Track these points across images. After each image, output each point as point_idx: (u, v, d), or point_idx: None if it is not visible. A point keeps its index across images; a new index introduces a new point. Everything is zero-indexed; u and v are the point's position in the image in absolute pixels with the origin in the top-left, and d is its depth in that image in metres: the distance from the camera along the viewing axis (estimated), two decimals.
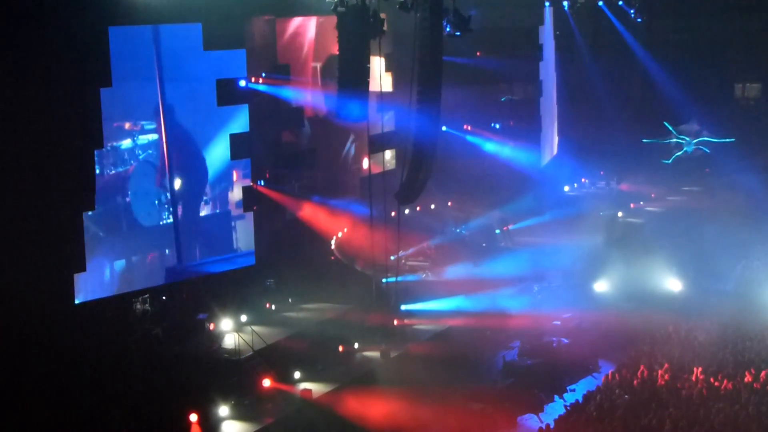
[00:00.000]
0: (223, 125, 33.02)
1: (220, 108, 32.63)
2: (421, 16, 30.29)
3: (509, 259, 42.13)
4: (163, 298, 31.88)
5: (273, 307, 34.45)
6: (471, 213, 47.86)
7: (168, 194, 32.93)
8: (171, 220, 32.91)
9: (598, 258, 40.75)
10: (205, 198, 34.55)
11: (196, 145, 33.47)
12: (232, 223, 35.23)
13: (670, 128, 58.49)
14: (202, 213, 34.53)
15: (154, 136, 32.60)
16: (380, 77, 35.64)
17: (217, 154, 33.90)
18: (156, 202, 32.98)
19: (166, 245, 32.99)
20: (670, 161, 58.35)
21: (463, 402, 29.65)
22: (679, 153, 58.56)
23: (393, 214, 34.92)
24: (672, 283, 39.34)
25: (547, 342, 34.94)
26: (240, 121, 33.38)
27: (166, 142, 32.28)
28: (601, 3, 54.58)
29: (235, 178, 35.34)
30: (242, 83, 33.18)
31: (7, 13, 25.65)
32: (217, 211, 34.99)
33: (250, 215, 34.81)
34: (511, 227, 47.81)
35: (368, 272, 36.78)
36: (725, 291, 38.64)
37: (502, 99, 55.38)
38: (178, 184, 32.81)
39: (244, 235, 34.94)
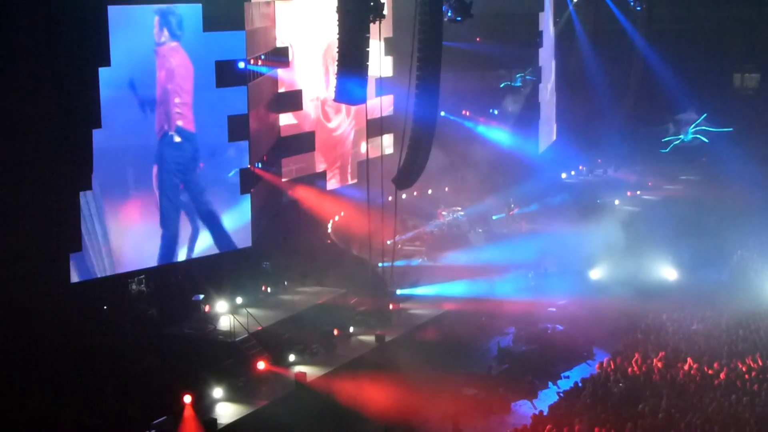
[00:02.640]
0: (222, 107, 32.91)
1: (219, 89, 32.55)
2: (422, 0, 30.29)
3: (517, 246, 42.23)
4: (159, 279, 31.88)
5: (269, 289, 34.47)
6: (468, 198, 47.91)
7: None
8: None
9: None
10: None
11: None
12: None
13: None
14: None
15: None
16: (380, 61, 35.62)
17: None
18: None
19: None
20: (667, 150, 58.40)
21: (457, 387, 29.72)
22: (676, 141, 58.65)
23: (390, 198, 34.97)
24: (667, 272, 39.39)
25: (542, 329, 35.05)
26: (238, 103, 33.27)
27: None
28: None
29: None
30: (241, 65, 33.08)
31: None
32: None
33: None
34: (516, 212, 47.91)
35: (364, 256, 36.79)
36: (721, 280, 38.72)
37: (501, 85, 55.37)
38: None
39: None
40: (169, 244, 32.14)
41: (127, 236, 30.79)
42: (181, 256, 32.47)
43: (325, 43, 38.66)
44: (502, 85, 55.46)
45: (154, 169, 31.46)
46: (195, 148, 32.51)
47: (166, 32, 31.11)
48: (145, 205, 31.39)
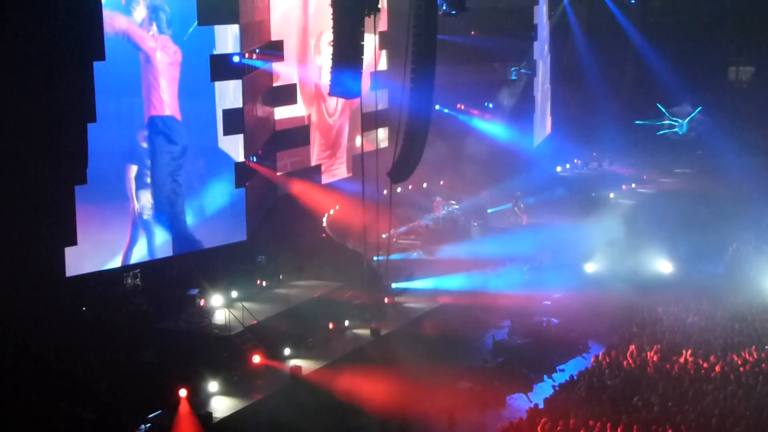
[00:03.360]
0: (216, 101, 32.85)
1: (213, 83, 32.49)
2: None
3: (513, 239, 42.24)
4: (154, 273, 31.83)
5: (264, 283, 34.46)
6: (464, 191, 47.91)
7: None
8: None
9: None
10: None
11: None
12: None
13: (663, 110, 58.63)
14: None
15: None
16: (375, 55, 35.58)
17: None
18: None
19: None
20: (661, 132, 58.54)
21: (453, 381, 29.71)
22: (667, 131, 58.81)
23: (385, 192, 34.95)
24: (663, 265, 39.40)
25: (537, 322, 35.05)
26: (233, 97, 33.22)
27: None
28: None
29: None
30: (236, 59, 33.02)
31: None
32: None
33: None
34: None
35: (359, 250, 36.78)
36: (716, 273, 38.73)
37: (513, 77, 55.33)
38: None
39: None
40: (162, 239, 32.09)
41: (122, 232, 30.73)
42: (176, 250, 32.40)
43: (319, 36, 38.57)
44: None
45: (135, 167, 31.24)
46: (185, 142, 32.38)
47: (154, 27, 31.00)
48: (138, 199, 31.34)
